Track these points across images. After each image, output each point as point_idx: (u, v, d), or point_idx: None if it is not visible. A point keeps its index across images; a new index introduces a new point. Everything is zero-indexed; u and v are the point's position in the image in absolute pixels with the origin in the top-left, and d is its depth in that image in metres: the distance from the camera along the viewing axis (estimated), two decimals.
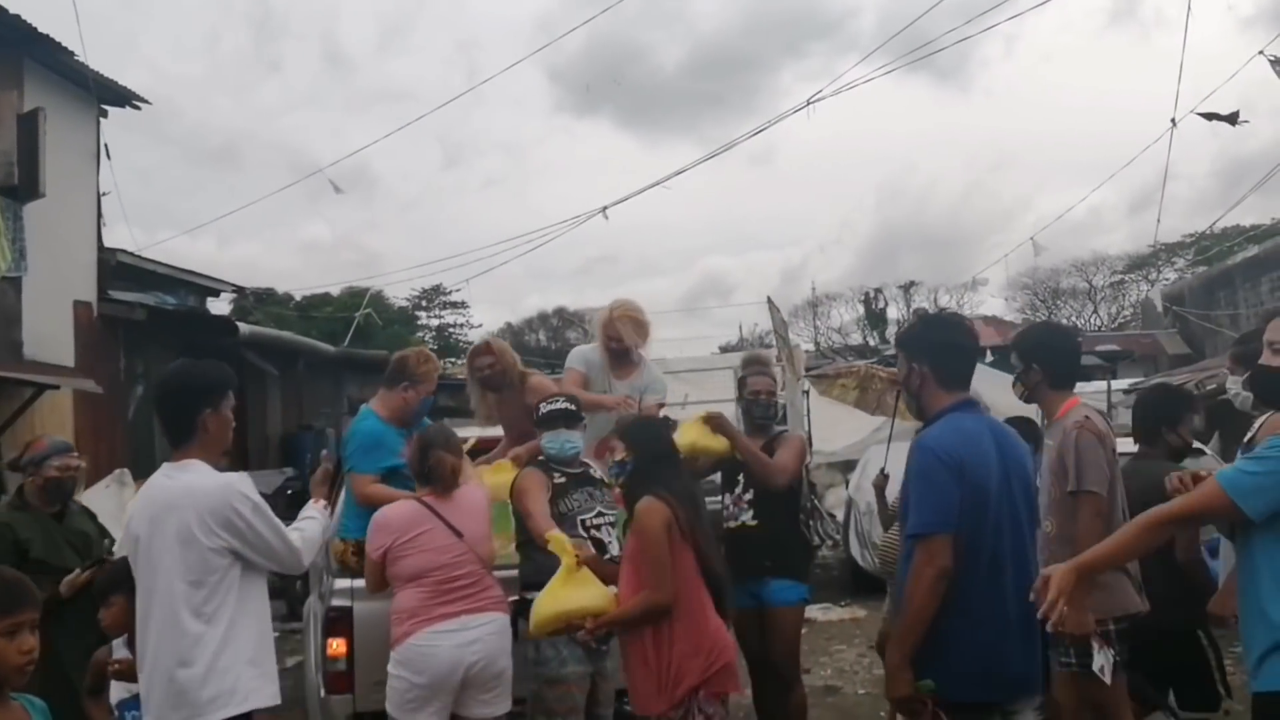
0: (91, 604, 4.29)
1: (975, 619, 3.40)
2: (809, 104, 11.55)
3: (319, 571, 5.95)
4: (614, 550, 4.75)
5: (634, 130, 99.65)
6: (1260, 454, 2.90)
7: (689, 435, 5.30)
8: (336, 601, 4.92)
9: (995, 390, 8.22)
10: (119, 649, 4.02)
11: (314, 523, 4.01)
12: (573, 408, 5.00)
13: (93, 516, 5.60)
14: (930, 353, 3.68)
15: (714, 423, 5.36)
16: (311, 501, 4.18)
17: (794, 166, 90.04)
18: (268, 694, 3.56)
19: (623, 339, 5.69)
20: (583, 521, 4.81)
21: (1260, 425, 4.13)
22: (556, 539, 4.22)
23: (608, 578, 4.26)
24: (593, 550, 4.56)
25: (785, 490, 5.45)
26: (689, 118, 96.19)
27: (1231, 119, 9.99)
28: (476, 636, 4.51)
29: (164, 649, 3.43)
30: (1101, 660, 3.91)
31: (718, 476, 5.78)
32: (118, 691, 3.92)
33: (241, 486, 3.57)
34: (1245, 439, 4.26)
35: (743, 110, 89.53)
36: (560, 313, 55.69)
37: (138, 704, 3.69)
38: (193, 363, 3.76)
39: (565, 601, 4.12)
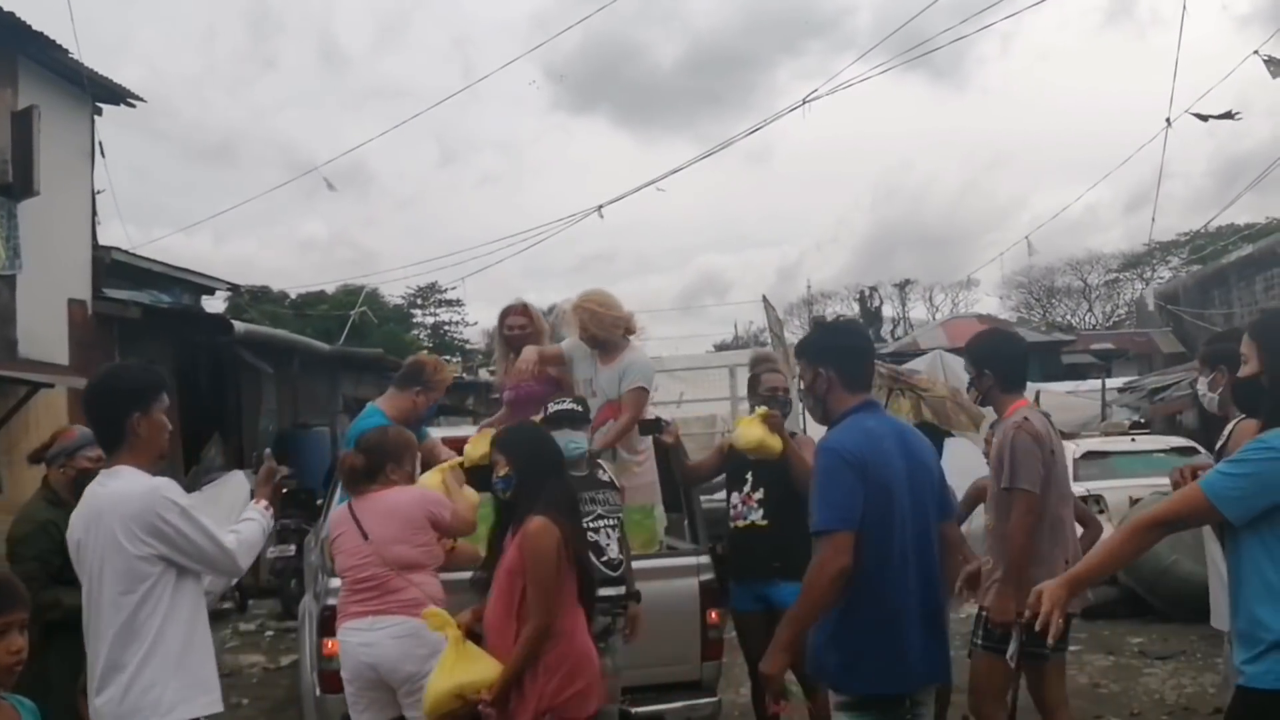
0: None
1: (882, 613, 3.50)
2: (804, 103, 11.60)
3: (314, 570, 5.96)
4: (611, 553, 4.74)
5: (631, 128, 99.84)
6: (1240, 457, 2.96)
7: (755, 433, 5.21)
8: (331, 600, 4.90)
9: None
10: None
11: (253, 524, 3.93)
12: (579, 409, 4.97)
13: None
14: (834, 357, 3.79)
15: (772, 422, 5.26)
16: (253, 501, 4.14)
17: (791, 165, 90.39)
18: (202, 704, 3.46)
19: (583, 328, 5.60)
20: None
21: (1230, 431, 4.25)
22: (434, 614, 4.19)
23: None
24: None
25: (797, 491, 5.41)
26: (686, 115, 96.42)
27: (1226, 115, 10.02)
28: (374, 639, 4.51)
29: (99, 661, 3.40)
30: (1013, 649, 4.12)
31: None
32: None
33: (168, 491, 3.48)
34: (1216, 445, 4.36)
35: (740, 108, 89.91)
36: (554, 311, 55.59)
37: None
38: (122, 365, 3.72)
39: (459, 676, 4.01)
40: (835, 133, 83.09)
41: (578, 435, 4.84)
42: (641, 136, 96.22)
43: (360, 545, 4.65)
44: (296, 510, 10.86)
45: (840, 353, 3.81)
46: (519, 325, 5.88)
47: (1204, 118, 10.55)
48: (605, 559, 4.68)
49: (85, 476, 4.91)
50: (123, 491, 3.45)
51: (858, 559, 3.42)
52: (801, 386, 3.98)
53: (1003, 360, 4.75)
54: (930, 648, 3.63)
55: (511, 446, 4.31)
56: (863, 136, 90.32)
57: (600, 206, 13.07)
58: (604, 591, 4.55)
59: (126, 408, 3.53)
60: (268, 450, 4.95)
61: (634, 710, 4.96)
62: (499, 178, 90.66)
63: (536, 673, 3.97)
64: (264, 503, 4.11)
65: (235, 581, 12.06)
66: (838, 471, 3.51)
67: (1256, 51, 9.91)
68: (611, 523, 4.82)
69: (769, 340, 14.07)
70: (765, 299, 12.33)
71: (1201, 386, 4.79)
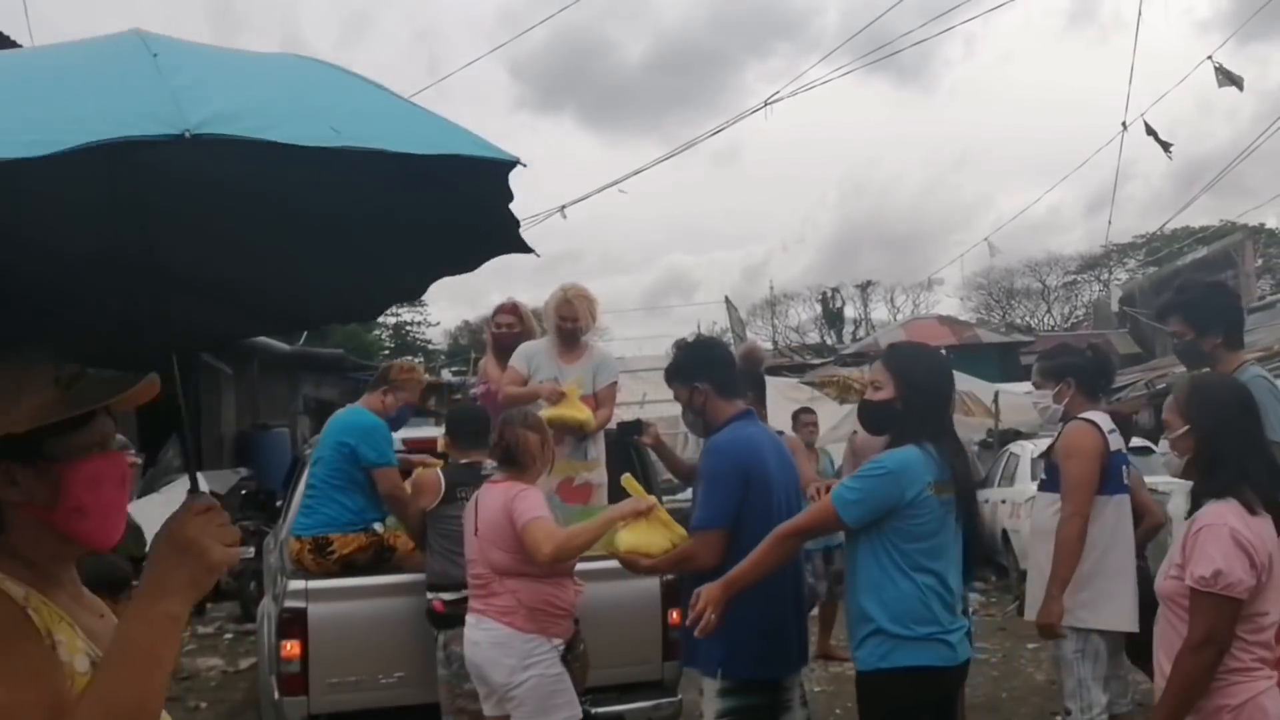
0: None
1: (767, 602, 3.74)
2: (766, 104, 11.64)
3: (273, 572, 5.92)
4: None
5: (596, 128, 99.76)
6: (860, 474, 3.43)
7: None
8: (290, 603, 4.87)
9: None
10: None
11: None
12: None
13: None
14: (707, 370, 4.02)
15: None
16: None
17: (758, 165, 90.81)
18: None
19: (578, 317, 5.60)
20: None
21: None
22: (629, 481, 4.12)
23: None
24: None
25: None
26: (652, 116, 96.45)
27: (1165, 145, 10.20)
28: (477, 639, 4.38)
29: None
30: None
31: None
32: None
33: None
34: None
35: (706, 109, 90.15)
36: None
37: None
38: None
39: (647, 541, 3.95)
40: (802, 134, 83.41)
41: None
42: (607, 137, 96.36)
43: (473, 539, 4.48)
44: (255, 512, 10.78)
45: (711, 365, 4.05)
46: (507, 324, 5.90)
47: (1152, 131, 10.70)
48: None
49: None
50: None
51: (737, 553, 3.61)
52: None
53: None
54: (802, 635, 4.03)
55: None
56: (829, 138, 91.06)
57: (563, 207, 13.01)
58: None
59: None
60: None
61: (595, 711, 4.96)
62: None
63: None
64: None
65: None
66: (722, 475, 3.83)
67: (1210, 58, 10.05)
68: None
69: (731, 341, 14.13)
70: (728, 299, 12.44)
71: (1042, 400, 4.98)
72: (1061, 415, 4.81)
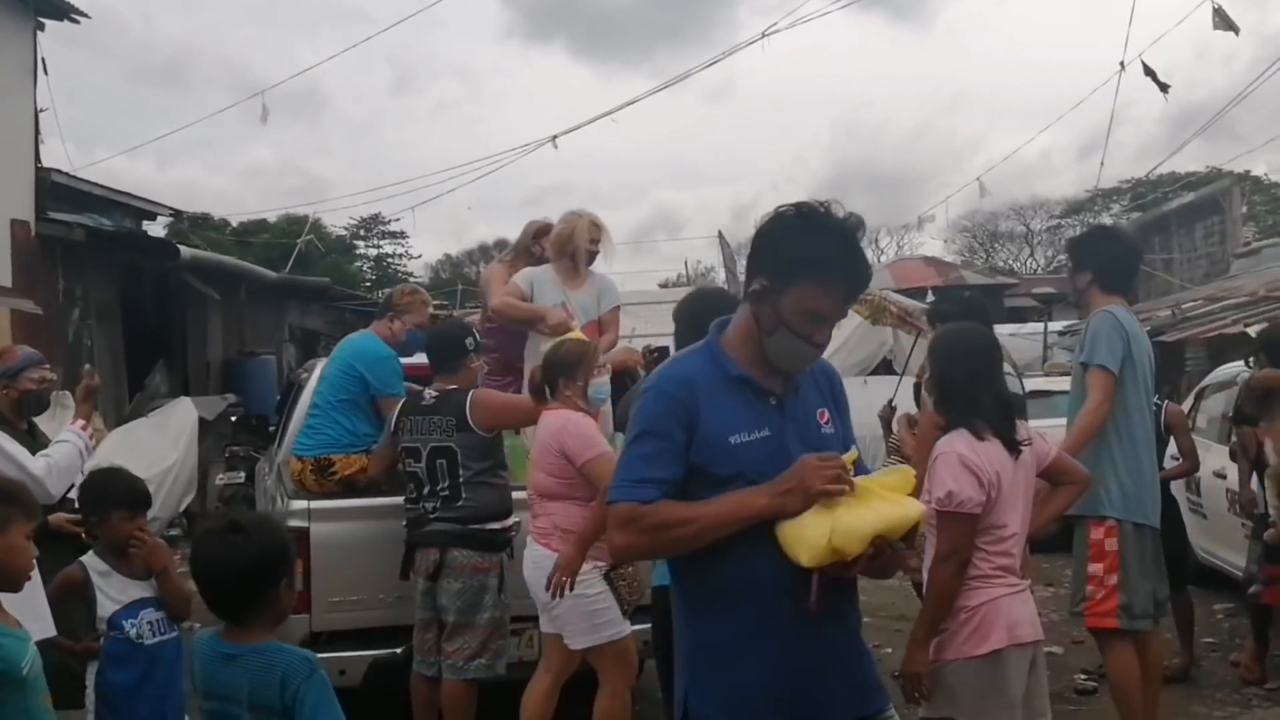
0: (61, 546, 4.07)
1: None
2: (764, 36, 11.61)
3: (269, 496, 5.96)
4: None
5: (588, 60, 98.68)
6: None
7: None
8: (293, 523, 4.92)
9: None
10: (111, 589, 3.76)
11: (66, 447, 3.82)
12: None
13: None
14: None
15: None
16: (69, 422, 4.04)
17: (750, 102, 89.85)
18: (35, 630, 3.22)
19: (602, 240, 5.61)
20: None
21: None
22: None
23: None
24: None
25: None
26: (645, 49, 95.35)
27: (1163, 86, 10.18)
28: (527, 559, 4.50)
29: None
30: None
31: None
32: (107, 605, 3.68)
33: None
34: None
35: (700, 43, 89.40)
36: (502, 244, 55.18)
37: (134, 611, 3.66)
38: None
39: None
40: (795, 72, 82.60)
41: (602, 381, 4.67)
42: (599, 70, 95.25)
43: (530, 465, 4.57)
44: (246, 436, 10.78)
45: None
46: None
47: (1150, 72, 10.66)
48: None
49: (31, 398, 4.80)
50: None
51: None
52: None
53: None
54: None
55: None
56: (822, 76, 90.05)
57: (555, 137, 12.98)
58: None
59: None
60: (87, 366, 4.74)
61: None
62: (453, 106, 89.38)
63: None
64: (80, 422, 4.01)
65: (183, 508, 12.02)
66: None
67: None
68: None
69: (723, 278, 14.13)
70: (721, 235, 12.42)
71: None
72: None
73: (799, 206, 2.38)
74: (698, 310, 3.97)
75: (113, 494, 3.81)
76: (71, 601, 3.76)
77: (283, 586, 2.68)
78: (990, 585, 3.34)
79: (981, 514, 3.32)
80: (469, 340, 4.99)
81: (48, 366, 4.99)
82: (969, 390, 3.46)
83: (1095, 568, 4.49)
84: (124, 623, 3.67)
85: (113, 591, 3.71)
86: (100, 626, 3.68)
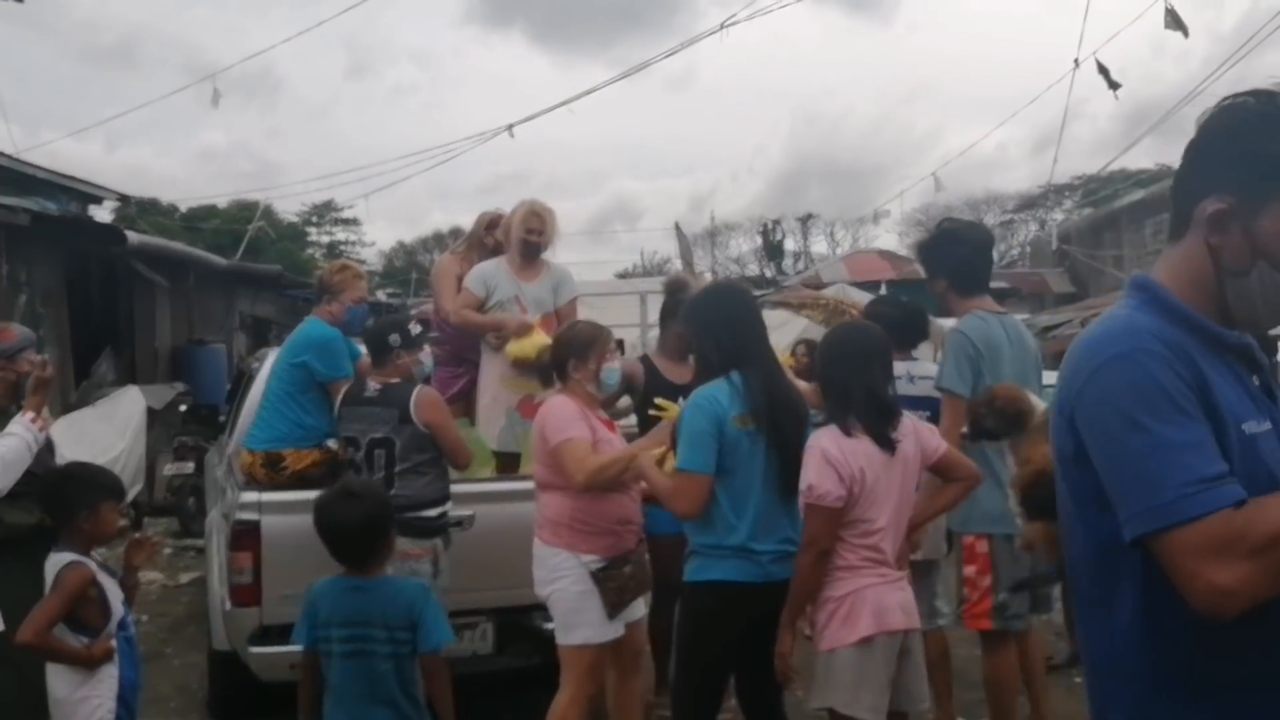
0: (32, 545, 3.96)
1: None
2: (723, 27, 11.53)
3: (219, 487, 5.84)
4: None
5: (547, 47, 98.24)
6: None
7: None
8: (243, 515, 4.82)
9: None
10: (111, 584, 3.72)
11: (13, 440, 3.72)
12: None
13: None
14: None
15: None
16: (19, 414, 3.93)
17: (709, 94, 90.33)
18: None
19: (544, 230, 5.51)
20: None
21: None
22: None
23: None
24: None
25: None
26: (605, 38, 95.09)
27: (1113, 85, 10.24)
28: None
29: None
30: None
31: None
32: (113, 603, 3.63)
33: None
34: None
35: (661, 31, 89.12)
36: (458, 233, 54.88)
37: (127, 607, 3.67)
38: None
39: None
40: (755, 62, 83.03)
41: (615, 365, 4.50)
42: (557, 58, 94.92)
43: None
44: (195, 426, 10.60)
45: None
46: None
47: (1103, 70, 10.72)
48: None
49: (25, 380, 4.47)
50: None
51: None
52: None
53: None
54: None
55: None
56: (782, 67, 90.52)
57: (511, 125, 12.90)
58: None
59: None
60: (40, 356, 4.56)
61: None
62: (410, 91, 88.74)
63: None
64: (30, 414, 3.90)
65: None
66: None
67: None
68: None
69: (679, 268, 14.08)
70: (678, 226, 12.41)
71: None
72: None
73: (1268, 94, 1.68)
74: (727, 304, 4.00)
75: (103, 484, 3.71)
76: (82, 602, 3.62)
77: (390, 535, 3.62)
78: (857, 575, 3.51)
79: (845, 508, 3.47)
80: (393, 337, 4.86)
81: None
82: (843, 388, 3.61)
83: (969, 570, 4.51)
84: (127, 620, 3.66)
85: (111, 588, 3.65)
86: (110, 627, 3.61)
